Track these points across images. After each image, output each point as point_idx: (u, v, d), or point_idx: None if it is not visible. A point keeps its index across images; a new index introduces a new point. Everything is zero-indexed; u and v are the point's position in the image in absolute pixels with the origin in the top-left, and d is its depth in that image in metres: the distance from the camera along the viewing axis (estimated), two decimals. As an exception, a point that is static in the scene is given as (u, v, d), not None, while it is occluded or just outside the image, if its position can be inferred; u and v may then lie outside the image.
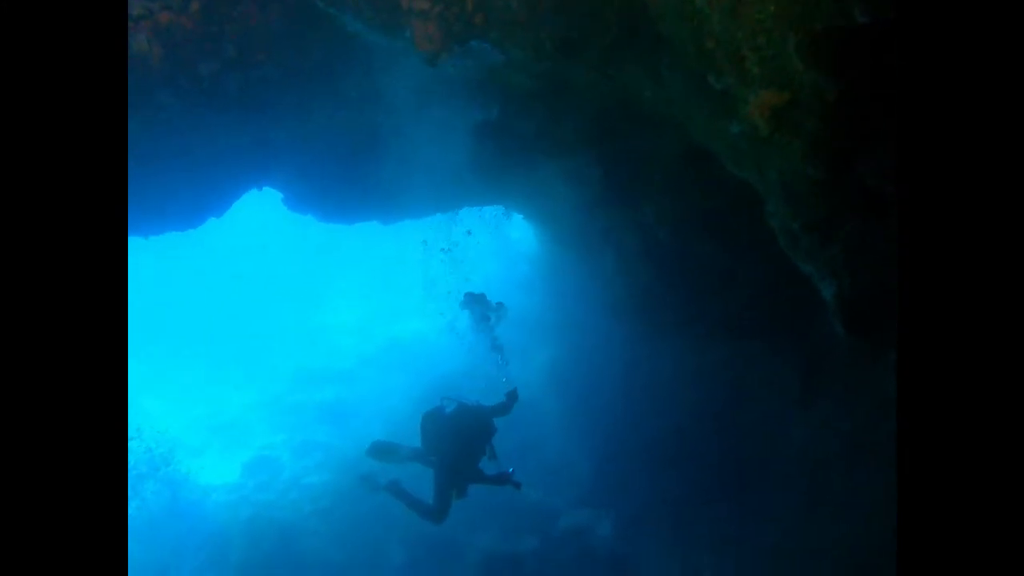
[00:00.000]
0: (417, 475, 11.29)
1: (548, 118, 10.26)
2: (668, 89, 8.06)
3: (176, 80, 7.91)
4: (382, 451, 10.89)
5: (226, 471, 21.05)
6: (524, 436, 19.68)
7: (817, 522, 12.56)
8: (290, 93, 9.08)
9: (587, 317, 18.68)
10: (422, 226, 18.67)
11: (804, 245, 7.88)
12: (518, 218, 19.56)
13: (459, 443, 9.93)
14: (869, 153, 6.15)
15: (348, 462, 20.79)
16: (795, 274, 8.48)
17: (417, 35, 7.16)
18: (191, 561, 16.77)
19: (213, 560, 16.61)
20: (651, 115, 9.54)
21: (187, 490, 19.75)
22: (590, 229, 15.31)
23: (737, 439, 14.45)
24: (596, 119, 10.19)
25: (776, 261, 9.29)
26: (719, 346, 14.52)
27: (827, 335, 11.89)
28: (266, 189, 13.44)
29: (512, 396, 10.75)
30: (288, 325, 31.60)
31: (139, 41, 7.38)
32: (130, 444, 18.75)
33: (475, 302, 11.94)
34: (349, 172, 12.35)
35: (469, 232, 20.15)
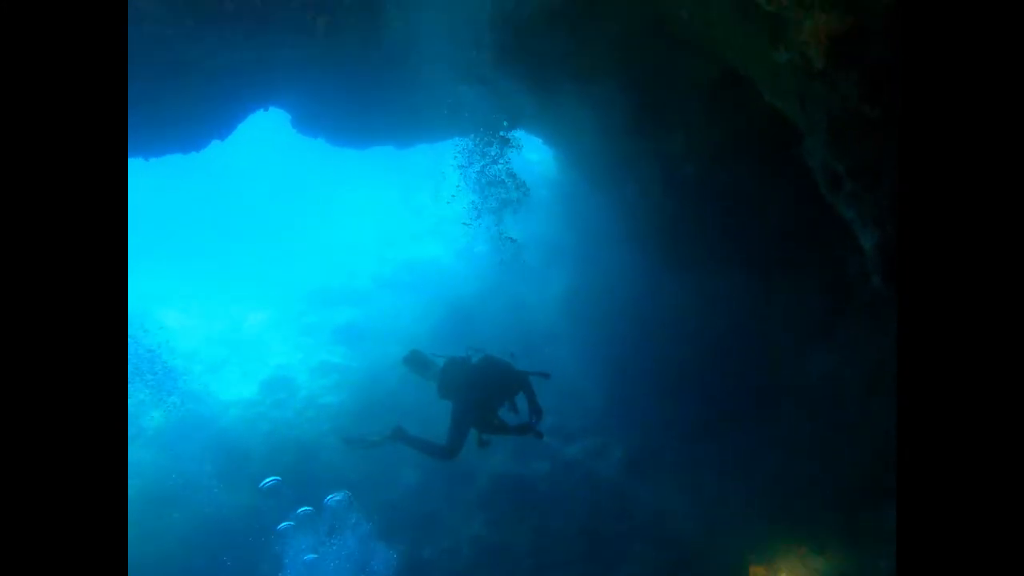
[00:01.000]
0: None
1: (572, 38, 9.41)
2: (709, 9, 7.24)
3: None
4: (416, 362, 10.66)
5: (244, 387, 21.33)
6: (538, 361, 19.69)
7: (830, 450, 12.46)
8: (293, 7, 8.31)
9: (606, 245, 18.18)
10: (438, 149, 17.92)
11: (848, 189, 7.24)
12: (536, 141, 18.70)
13: (481, 394, 9.66)
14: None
15: (364, 384, 21.01)
16: (824, 208, 7.89)
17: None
18: (210, 470, 17.20)
19: (232, 471, 17.03)
20: (686, 38, 8.70)
21: (206, 404, 20.09)
22: (613, 156, 14.57)
23: (754, 368, 14.22)
24: (625, 41, 9.35)
25: (804, 193, 8.72)
26: (740, 276, 14.04)
27: (854, 270, 11.44)
28: (273, 110, 12.77)
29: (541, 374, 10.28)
30: (303, 245, 31.35)
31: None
32: (146, 355, 18.96)
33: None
34: (361, 93, 11.64)
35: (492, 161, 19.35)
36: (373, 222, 32.00)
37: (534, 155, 23.67)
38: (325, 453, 17.88)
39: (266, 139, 23.27)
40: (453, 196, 17.13)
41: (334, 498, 12.86)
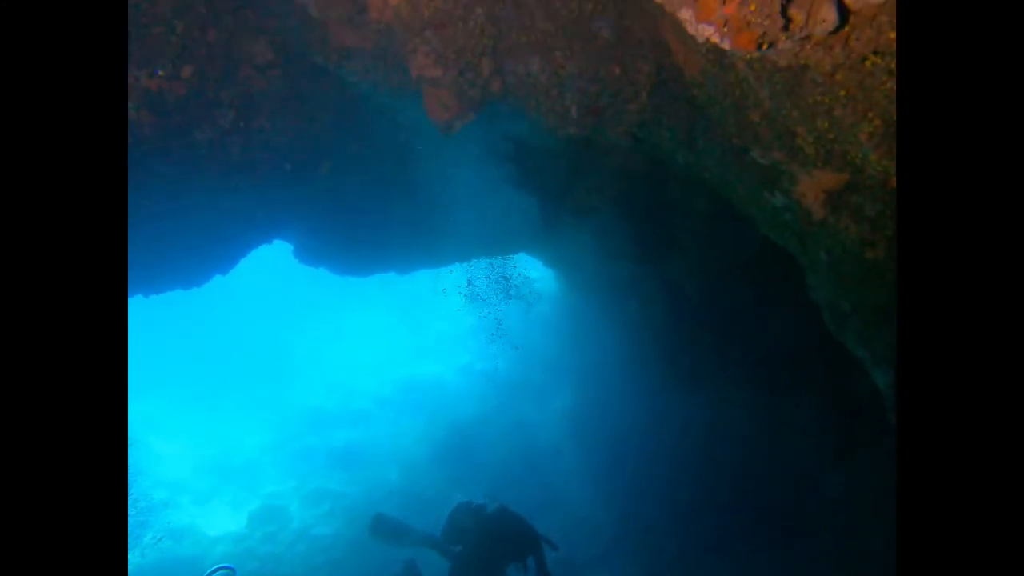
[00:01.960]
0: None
1: (572, 175, 9.60)
2: (703, 156, 7.38)
3: (169, 148, 7.35)
4: (388, 532, 9.98)
5: (233, 520, 20.38)
6: (544, 485, 18.92)
7: (848, 572, 11.67)
8: (296, 156, 8.50)
9: (611, 363, 17.96)
10: (441, 272, 18.07)
11: (855, 327, 7.09)
12: (536, 261, 18.88)
13: (494, 545, 9.03)
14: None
15: (361, 511, 20.06)
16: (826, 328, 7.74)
17: (429, 102, 6.54)
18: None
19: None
20: (682, 176, 8.87)
21: (191, 540, 19.10)
22: (614, 279, 14.60)
23: (766, 490, 13.59)
24: (623, 177, 9.53)
25: (808, 312, 8.63)
26: (749, 395, 13.71)
27: (866, 387, 11.12)
28: (276, 241, 12.91)
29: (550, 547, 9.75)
30: (301, 365, 31.04)
31: (127, 109, 6.83)
32: (130, 488, 18.12)
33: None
34: (363, 227, 11.77)
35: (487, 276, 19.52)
36: (372, 341, 31.95)
37: (534, 272, 23.90)
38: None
39: (266, 267, 23.45)
40: (459, 309, 17.11)
41: None
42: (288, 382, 29.77)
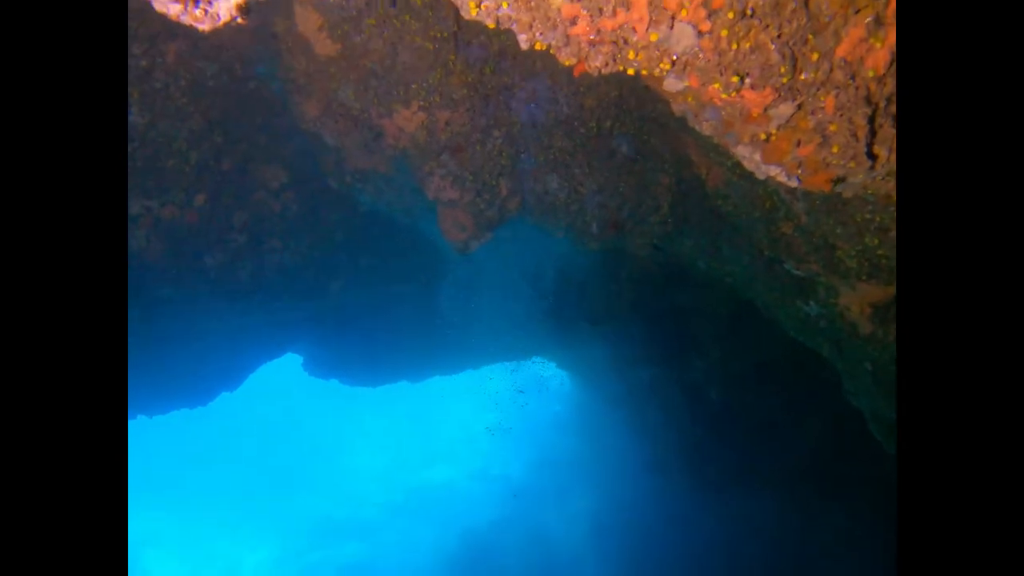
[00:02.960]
0: None
1: (588, 283, 9.37)
2: (727, 263, 7.16)
3: (179, 275, 7.18)
4: None
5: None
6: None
7: None
8: (308, 275, 8.31)
9: (630, 468, 17.20)
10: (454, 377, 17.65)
11: (907, 441, 6.61)
12: (551, 364, 18.46)
13: None
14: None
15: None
16: (860, 424, 7.28)
17: (445, 223, 6.37)
18: None
19: None
20: (703, 280, 8.65)
21: None
22: (631, 382, 14.15)
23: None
24: (640, 283, 9.30)
25: (838, 408, 8.20)
26: (775, 498, 12.93)
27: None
28: (288, 354, 12.63)
29: None
30: (308, 473, 29.95)
31: (137, 239, 6.70)
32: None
33: None
34: (375, 339, 11.48)
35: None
36: (382, 446, 31.00)
37: (546, 371, 23.42)
38: None
39: (274, 378, 22.93)
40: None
41: None
42: (295, 491, 28.67)
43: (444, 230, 6.51)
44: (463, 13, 2.68)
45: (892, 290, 5.12)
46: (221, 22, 2.66)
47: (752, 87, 2.65)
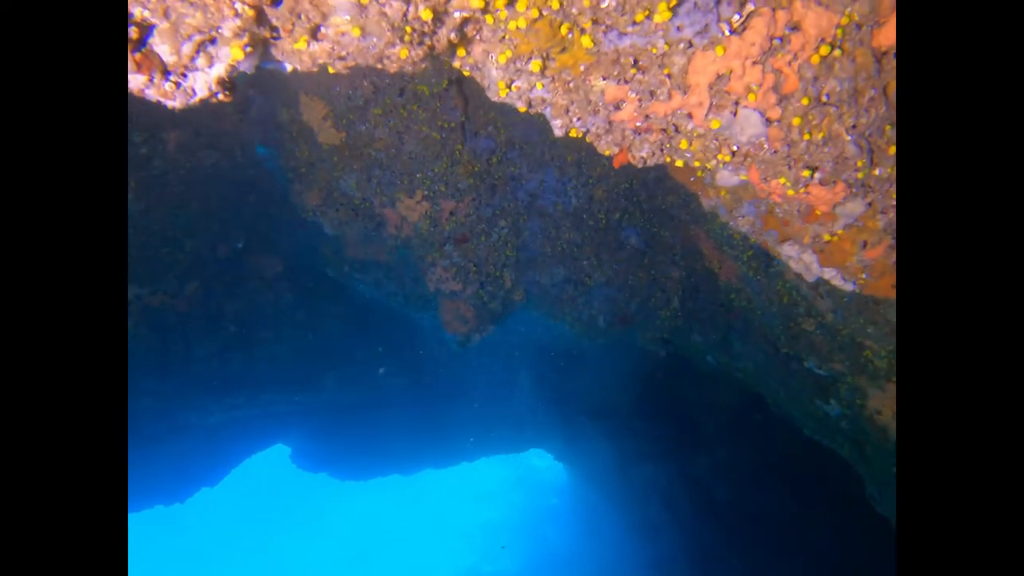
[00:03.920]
0: None
1: (589, 378, 9.04)
2: (739, 359, 6.88)
3: (167, 365, 6.80)
4: None
5: None
6: None
7: None
8: (301, 369, 7.95)
9: (629, 569, 16.27)
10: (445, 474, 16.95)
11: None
12: (548, 456, 17.80)
13: None
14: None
15: None
16: (884, 530, 6.75)
17: (446, 315, 6.11)
18: None
19: None
20: (710, 374, 8.34)
21: None
22: (631, 477, 13.54)
23: None
24: (643, 378, 8.96)
25: (859, 512, 7.70)
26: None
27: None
28: (277, 445, 12.05)
29: None
30: (288, 568, 28.22)
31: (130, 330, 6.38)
32: None
33: None
34: (368, 432, 10.98)
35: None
36: (366, 539, 29.45)
37: (541, 462, 22.63)
38: None
39: (259, 472, 21.87)
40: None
41: None
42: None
43: (445, 322, 6.24)
44: (490, 95, 2.46)
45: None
46: (197, 99, 2.41)
47: (821, 182, 2.42)
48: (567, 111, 2.44)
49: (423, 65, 2.26)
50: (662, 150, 2.54)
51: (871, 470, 6.64)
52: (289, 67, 2.35)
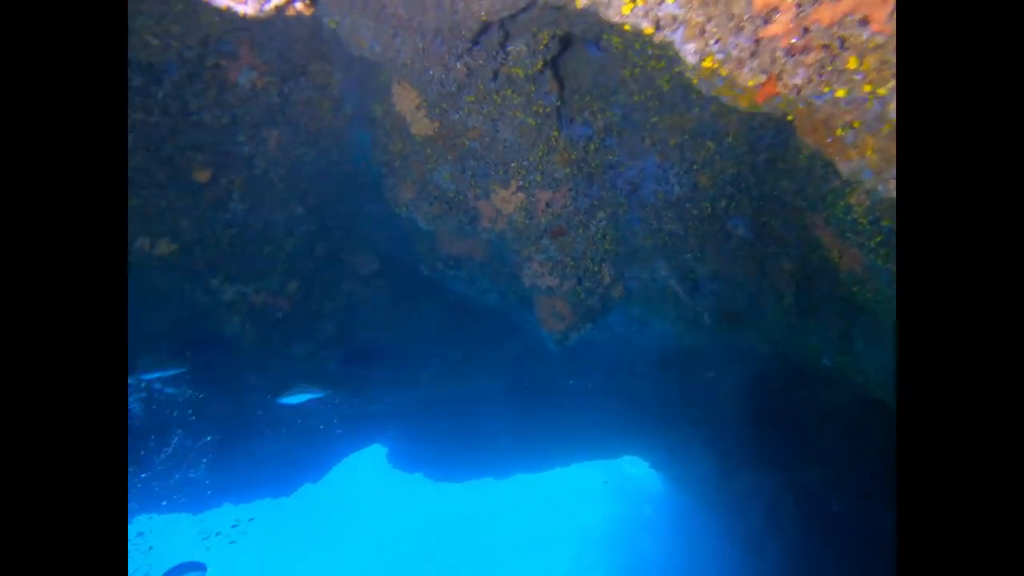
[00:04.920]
0: None
1: (693, 382, 8.59)
2: (860, 360, 6.29)
3: (267, 363, 6.97)
4: None
5: None
6: None
7: None
8: (397, 365, 7.99)
9: (731, 580, 15.49)
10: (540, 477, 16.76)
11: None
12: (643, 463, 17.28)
13: None
14: None
15: None
16: None
17: (543, 312, 5.90)
18: None
19: None
20: (825, 378, 7.73)
21: None
22: (733, 487, 12.86)
23: None
24: (752, 382, 8.43)
25: None
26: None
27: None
28: (374, 445, 12.29)
29: None
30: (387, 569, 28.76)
31: (232, 324, 6.56)
32: None
33: None
34: (461, 433, 10.97)
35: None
36: (459, 546, 29.64)
37: (636, 470, 22.06)
38: None
39: (359, 471, 22.24)
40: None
41: None
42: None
43: (542, 319, 6.03)
44: (611, 14, 2.18)
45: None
46: (271, 5, 2.25)
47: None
48: (703, 31, 2.11)
49: None
50: (820, 75, 2.16)
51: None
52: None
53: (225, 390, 7.88)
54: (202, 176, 5.41)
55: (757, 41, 2.08)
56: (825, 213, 4.89)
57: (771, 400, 9.42)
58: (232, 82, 5.02)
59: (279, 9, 2.36)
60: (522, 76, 4.45)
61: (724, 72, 2.17)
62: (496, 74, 4.44)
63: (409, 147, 5.21)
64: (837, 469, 10.74)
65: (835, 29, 2.00)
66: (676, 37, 2.12)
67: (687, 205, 5.38)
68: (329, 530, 33.61)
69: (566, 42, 4.64)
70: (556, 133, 4.89)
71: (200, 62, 4.87)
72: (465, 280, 6.77)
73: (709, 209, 5.41)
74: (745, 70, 2.15)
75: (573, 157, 5.02)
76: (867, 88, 2.10)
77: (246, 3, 2.38)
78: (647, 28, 2.14)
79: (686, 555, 18.86)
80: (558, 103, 4.79)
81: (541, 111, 4.74)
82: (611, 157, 5.21)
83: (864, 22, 1.97)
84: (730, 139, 4.91)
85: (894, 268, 4.81)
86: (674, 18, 2.08)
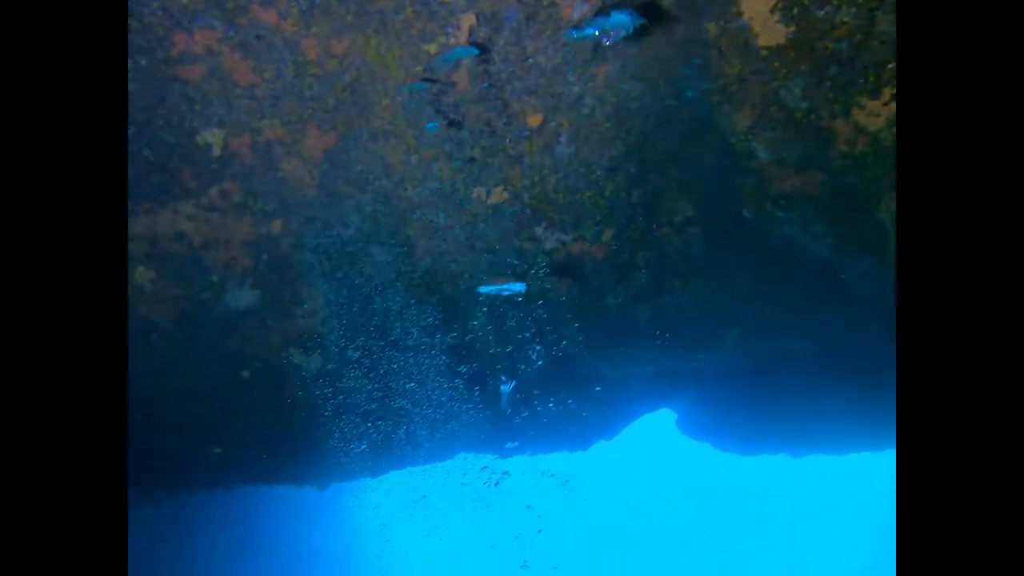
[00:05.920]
0: None
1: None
2: None
3: (583, 315, 7.02)
4: None
5: None
6: None
7: None
8: (705, 324, 7.58)
9: None
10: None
11: None
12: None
13: None
14: None
15: None
16: None
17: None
18: None
19: None
20: None
21: None
22: None
23: None
24: None
25: None
26: None
27: None
28: (663, 409, 12.10)
29: None
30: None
31: (552, 280, 6.73)
32: None
33: None
34: (758, 402, 10.21)
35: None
36: (741, 522, 28.24)
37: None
38: None
39: (648, 435, 22.25)
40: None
41: None
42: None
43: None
44: None
45: None
46: None
47: None
48: None
49: None
50: None
51: None
52: None
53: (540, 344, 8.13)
54: (534, 121, 5.52)
55: None
56: None
57: None
58: (567, 18, 4.99)
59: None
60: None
61: None
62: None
63: (751, 66, 4.71)
64: None
65: None
66: None
67: None
68: (621, 489, 34.37)
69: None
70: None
71: (537, 2, 4.91)
72: (798, 223, 6.08)
73: None
74: None
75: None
76: None
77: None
78: None
79: None
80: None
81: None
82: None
83: None
84: None
85: None
86: None
